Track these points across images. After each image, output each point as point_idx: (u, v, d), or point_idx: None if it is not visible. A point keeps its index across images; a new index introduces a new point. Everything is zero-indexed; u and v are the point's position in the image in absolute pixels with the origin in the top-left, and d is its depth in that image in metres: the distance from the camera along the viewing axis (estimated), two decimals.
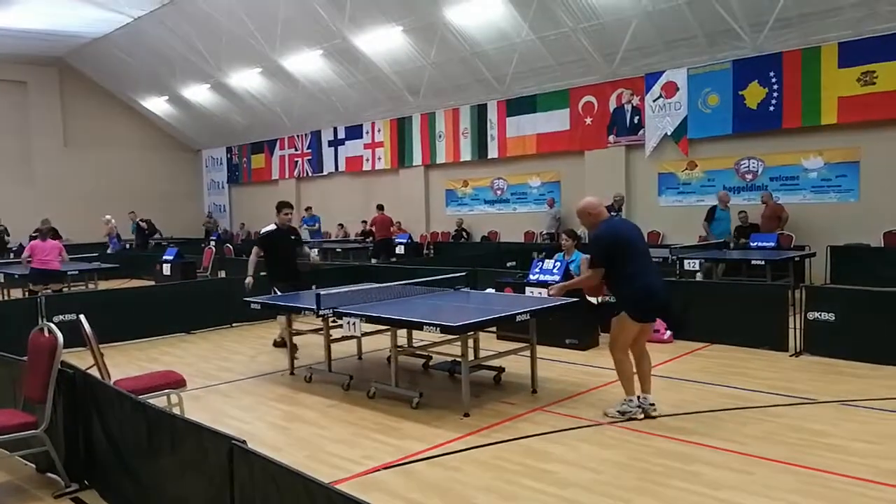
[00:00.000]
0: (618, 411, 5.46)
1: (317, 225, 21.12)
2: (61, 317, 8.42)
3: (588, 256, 8.88)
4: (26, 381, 4.53)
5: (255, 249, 8.72)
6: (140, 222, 21.30)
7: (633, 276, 5.30)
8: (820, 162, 13.39)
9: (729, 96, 14.11)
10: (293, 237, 8.94)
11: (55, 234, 12.80)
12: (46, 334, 4.45)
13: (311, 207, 21.92)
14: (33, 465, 4.80)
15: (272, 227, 8.68)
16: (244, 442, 3.04)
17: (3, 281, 13.30)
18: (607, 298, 6.09)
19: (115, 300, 9.89)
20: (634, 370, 5.54)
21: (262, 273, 8.78)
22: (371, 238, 18.11)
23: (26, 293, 12.14)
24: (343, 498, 2.45)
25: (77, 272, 13.75)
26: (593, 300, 8.08)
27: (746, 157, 14.35)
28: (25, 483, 4.62)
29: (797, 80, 13.13)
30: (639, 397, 5.51)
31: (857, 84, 12.48)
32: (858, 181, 12.94)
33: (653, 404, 5.51)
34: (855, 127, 12.72)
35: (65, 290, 12.44)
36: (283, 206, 8.74)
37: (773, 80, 13.45)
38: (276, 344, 8.83)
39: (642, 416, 5.41)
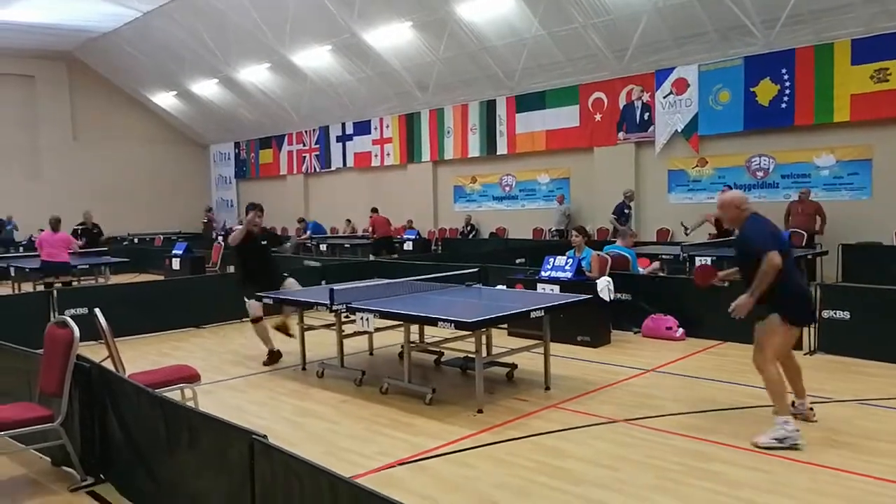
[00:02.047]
0: (773, 438, 4.63)
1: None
2: (73, 310, 8.41)
3: (599, 254, 8.88)
4: (42, 375, 4.53)
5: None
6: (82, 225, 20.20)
7: (790, 275, 4.77)
8: (832, 159, 13.31)
9: (740, 93, 14.03)
10: (264, 242, 8.08)
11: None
12: (63, 328, 4.45)
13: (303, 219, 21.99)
14: (49, 459, 4.80)
15: (240, 227, 7.88)
16: (265, 437, 3.02)
17: (14, 275, 13.34)
18: (724, 284, 5.45)
19: (126, 294, 9.93)
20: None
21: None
22: (371, 237, 18.19)
23: (36, 287, 12.18)
24: (368, 494, 2.44)
25: (87, 266, 13.79)
26: (606, 297, 8.05)
27: (758, 154, 14.27)
28: (41, 477, 4.62)
29: (810, 77, 13.05)
30: (793, 403, 5.11)
31: (870, 81, 12.39)
32: (871, 179, 12.86)
33: (811, 408, 5.17)
34: (868, 124, 12.64)
35: (74, 283, 12.45)
36: (252, 207, 7.92)
37: (786, 76, 13.37)
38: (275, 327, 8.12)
39: (804, 441, 4.65)
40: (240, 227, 7.93)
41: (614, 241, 10.27)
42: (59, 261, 11.84)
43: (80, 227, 15.39)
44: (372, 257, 15.94)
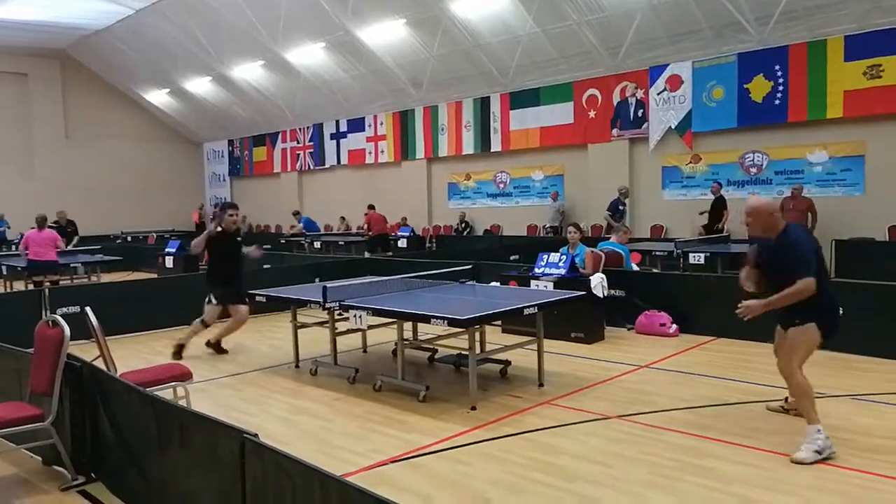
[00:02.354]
0: (815, 451, 4.39)
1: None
2: (65, 309, 8.38)
3: (593, 250, 8.87)
4: (33, 374, 4.50)
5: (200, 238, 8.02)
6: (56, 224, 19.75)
7: (824, 285, 4.62)
8: (825, 156, 13.34)
9: (734, 90, 14.06)
10: (238, 239, 8.16)
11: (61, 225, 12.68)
12: (53, 327, 4.42)
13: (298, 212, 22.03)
14: (40, 458, 4.77)
15: (218, 229, 7.89)
16: (256, 435, 3.01)
17: (5, 273, 13.27)
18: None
19: (118, 292, 9.89)
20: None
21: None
22: (367, 234, 18.15)
23: (25, 285, 12.12)
24: (358, 492, 2.42)
25: (79, 264, 13.73)
26: (600, 294, 8.04)
27: (751, 150, 14.30)
28: (32, 476, 4.59)
29: (803, 74, 13.08)
30: (787, 399, 5.13)
31: (863, 77, 12.43)
32: (864, 175, 12.90)
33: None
34: (861, 121, 12.68)
35: (62, 281, 12.37)
36: (227, 206, 7.96)
37: (779, 73, 13.39)
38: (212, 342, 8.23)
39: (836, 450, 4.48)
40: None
41: (608, 238, 10.27)
42: (46, 259, 11.75)
43: (54, 225, 15.09)
44: (367, 255, 15.92)
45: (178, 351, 7.90)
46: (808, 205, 12.78)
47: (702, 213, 14.12)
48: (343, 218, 22.09)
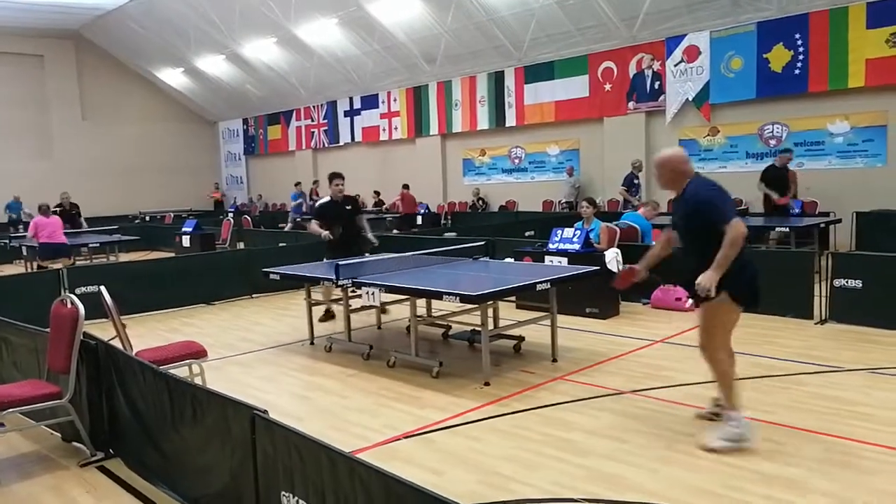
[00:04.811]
0: (726, 440, 4.13)
1: (300, 200, 21.19)
2: (84, 288, 8.48)
3: (608, 225, 8.79)
4: (50, 352, 4.56)
5: (312, 222, 8.58)
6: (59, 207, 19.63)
7: (742, 249, 4.13)
8: (846, 126, 13.08)
9: (753, 60, 13.78)
10: (348, 207, 8.47)
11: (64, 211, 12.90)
12: (68, 305, 4.46)
13: (300, 183, 22.06)
14: (59, 435, 4.86)
15: (326, 199, 8.50)
16: (266, 412, 3.02)
17: (25, 254, 13.44)
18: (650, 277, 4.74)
19: (137, 272, 9.97)
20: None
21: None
22: (399, 213, 18.26)
23: (35, 267, 12.36)
24: (364, 467, 2.43)
25: (98, 244, 13.88)
26: (614, 269, 7.98)
27: (770, 122, 14.05)
28: (52, 452, 4.68)
29: (824, 42, 12.77)
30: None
31: (885, 46, 12.12)
32: (886, 145, 12.64)
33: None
34: (883, 90, 12.39)
35: (80, 262, 12.57)
36: (333, 176, 8.36)
37: (799, 42, 13.10)
38: (322, 319, 8.45)
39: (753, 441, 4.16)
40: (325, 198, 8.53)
41: (635, 210, 10.17)
42: (59, 242, 12.03)
43: (57, 208, 15.24)
44: (395, 232, 15.98)
45: (327, 316, 8.38)
46: (790, 176, 12.24)
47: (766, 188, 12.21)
48: (358, 195, 21.81)
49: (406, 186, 18.35)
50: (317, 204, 8.65)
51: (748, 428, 4.14)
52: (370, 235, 8.76)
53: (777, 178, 11.85)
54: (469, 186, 20.03)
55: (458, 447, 4.45)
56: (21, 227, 19.74)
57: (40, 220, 12.13)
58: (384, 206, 20.65)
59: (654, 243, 9.48)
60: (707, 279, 4.03)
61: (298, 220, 19.22)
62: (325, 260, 8.25)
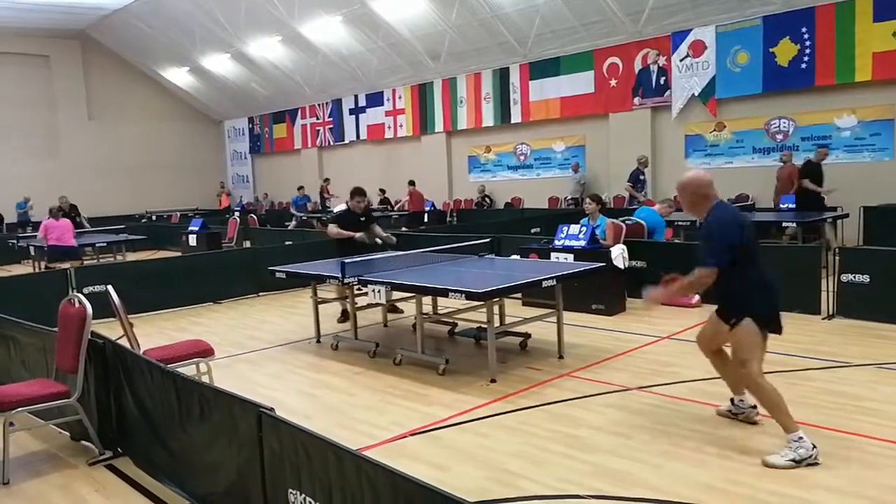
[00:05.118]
0: (790, 460, 3.89)
1: (306, 203, 21.22)
2: (91, 288, 8.52)
3: (613, 221, 8.78)
4: (58, 352, 4.59)
5: (331, 225, 8.76)
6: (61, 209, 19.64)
7: (747, 271, 4.11)
8: (853, 120, 13.01)
9: (759, 54, 13.70)
10: (363, 219, 8.73)
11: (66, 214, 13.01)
12: (76, 305, 4.49)
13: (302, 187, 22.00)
14: (67, 434, 4.89)
15: (344, 207, 9.01)
16: (272, 409, 3.04)
17: (34, 254, 13.52)
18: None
19: (144, 271, 10.02)
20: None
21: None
22: (407, 210, 18.24)
23: (43, 268, 12.43)
24: (371, 464, 2.44)
25: (105, 244, 13.94)
26: (621, 265, 7.98)
27: (777, 116, 13.98)
28: (60, 451, 4.71)
29: (830, 36, 12.70)
30: (732, 400, 4.64)
31: (892, 39, 12.04)
32: (893, 139, 12.56)
33: (754, 406, 4.52)
34: (890, 83, 12.30)
35: (88, 261, 12.64)
36: (355, 192, 8.65)
37: (806, 35, 13.02)
38: (340, 321, 8.48)
39: (819, 458, 3.92)
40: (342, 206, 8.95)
41: (647, 205, 10.17)
42: (68, 244, 12.11)
43: (59, 212, 15.28)
44: (404, 230, 15.97)
45: (345, 317, 8.33)
46: (789, 171, 12.40)
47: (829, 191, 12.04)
48: (382, 190, 21.57)
49: (412, 183, 18.28)
50: (335, 210, 9.15)
51: (810, 447, 3.92)
52: (385, 235, 8.90)
53: (817, 174, 11.96)
54: (474, 184, 20.02)
55: (465, 444, 4.46)
56: (30, 227, 19.82)
57: (50, 223, 12.28)
58: (390, 205, 20.57)
59: (664, 241, 9.52)
60: (655, 293, 4.35)
61: (304, 218, 19.29)
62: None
